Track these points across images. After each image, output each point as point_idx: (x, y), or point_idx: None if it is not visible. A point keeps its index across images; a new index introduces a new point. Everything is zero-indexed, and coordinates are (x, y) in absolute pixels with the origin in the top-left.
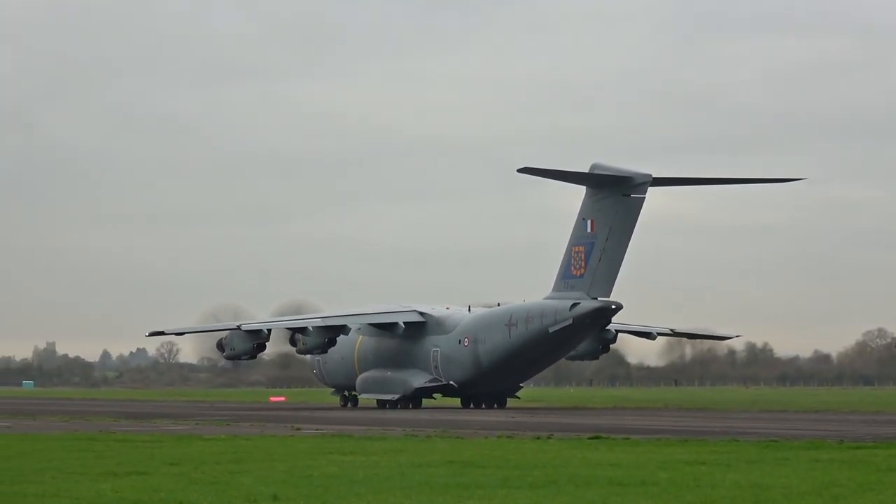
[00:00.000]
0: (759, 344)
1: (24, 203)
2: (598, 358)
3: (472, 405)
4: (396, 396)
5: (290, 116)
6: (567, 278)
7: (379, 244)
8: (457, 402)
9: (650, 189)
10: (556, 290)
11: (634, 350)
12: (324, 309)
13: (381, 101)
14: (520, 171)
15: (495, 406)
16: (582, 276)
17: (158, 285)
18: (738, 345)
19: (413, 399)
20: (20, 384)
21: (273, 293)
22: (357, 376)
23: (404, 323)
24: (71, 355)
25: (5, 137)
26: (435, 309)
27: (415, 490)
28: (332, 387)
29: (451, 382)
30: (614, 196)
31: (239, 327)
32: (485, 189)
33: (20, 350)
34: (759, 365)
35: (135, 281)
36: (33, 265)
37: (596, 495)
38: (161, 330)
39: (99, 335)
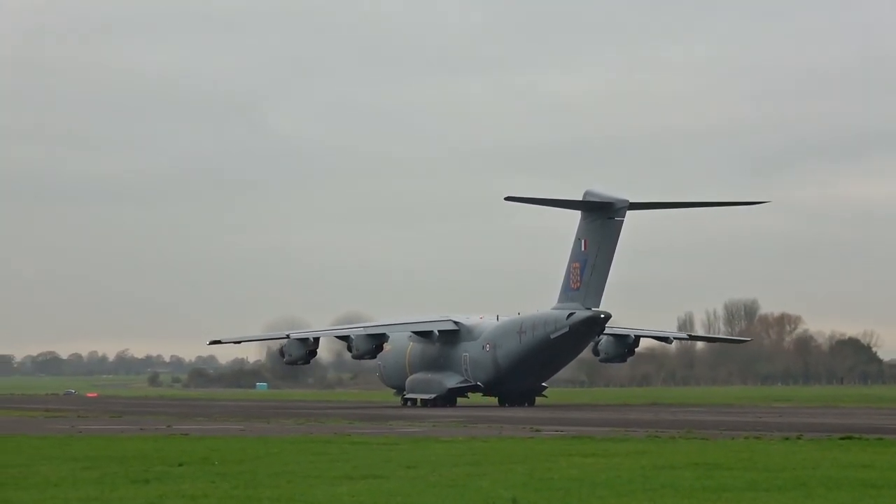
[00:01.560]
0: None
1: (257, 199)
2: (626, 361)
3: (506, 404)
4: (434, 396)
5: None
6: (567, 291)
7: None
8: (493, 400)
9: (629, 212)
10: (559, 301)
11: (890, 347)
12: (375, 318)
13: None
14: (507, 199)
15: (525, 404)
16: (578, 289)
17: (390, 282)
18: None
19: (448, 398)
20: (254, 386)
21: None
22: (407, 378)
23: (439, 331)
24: None
25: (231, 129)
26: (469, 318)
27: (659, 493)
28: (392, 388)
29: (479, 383)
30: (601, 219)
31: (288, 336)
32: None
33: (253, 352)
34: None
35: (364, 278)
36: (265, 263)
37: (848, 498)
38: (219, 339)
39: None
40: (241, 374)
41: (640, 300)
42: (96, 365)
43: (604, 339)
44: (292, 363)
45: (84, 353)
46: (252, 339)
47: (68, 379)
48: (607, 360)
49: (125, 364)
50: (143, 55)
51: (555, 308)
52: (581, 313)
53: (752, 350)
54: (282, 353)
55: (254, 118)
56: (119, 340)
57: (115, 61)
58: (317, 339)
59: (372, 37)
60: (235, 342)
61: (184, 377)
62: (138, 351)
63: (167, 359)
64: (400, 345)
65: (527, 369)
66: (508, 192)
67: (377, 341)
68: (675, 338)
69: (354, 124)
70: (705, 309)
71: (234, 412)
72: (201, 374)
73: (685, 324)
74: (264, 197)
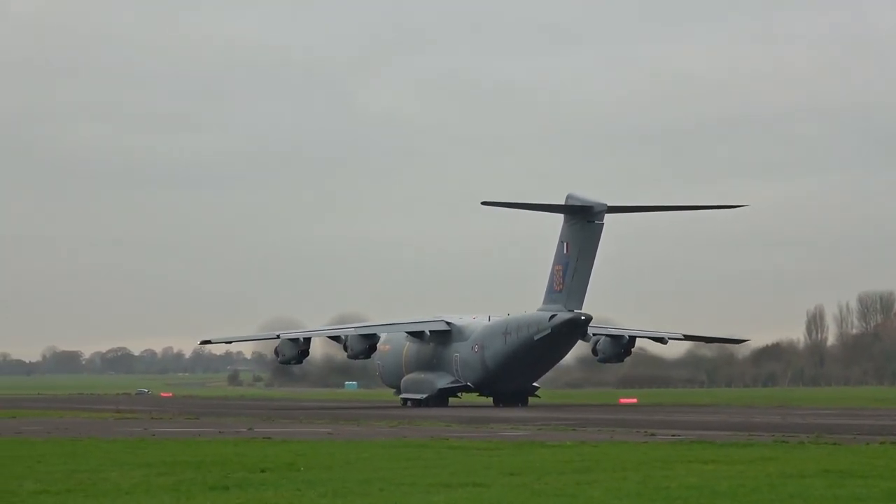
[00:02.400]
0: None
1: (340, 183)
2: (623, 361)
3: (500, 404)
4: (425, 396)
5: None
6: (551, 293)
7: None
8: (484, 400)
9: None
10: (544, 303)
11: None
12: (370, 319)
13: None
14: (483, 204)
15: (519, 405)
16: (561, 291)
17: (475, 276)
18: None
19: (439, 398)
20: (342, 385)
21: None
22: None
23: (431, 331)
24: None
25: (321, 109)
26: (462, 318)
27: None
28: (391, 387)
29: (469, 383)
30: (582, 222)
31: (278, 336)
32: None
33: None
34: None
35: (456, 271)
36: (349, 253)
37: None
38: (209, 339)
39: None
40: (328, 373)
41: (764, 293)
42: (171, 362)
43: (601, 339)
44: (286, 363)
45: (158, 349)
46: (243, 340)
47: (140, 377)
48: (605, 360)
49: (202, 361)
50: (222, 27)
51: (540, 310)
52: (562, 315)
53: (889, 347)
54: (276, 353)
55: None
56: (196, 335)
57: (194, 34)
58: (308, 340)
59: (474, 8)
60: (227, 342)
61: (266, 375)
62: (216, 347)
63: (248, 355)
64: (398, 345)
65: (514, 370)
66: (634, 175)
67: (370, 341)
68: (670, 338)
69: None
70: (837, 302)
71: (320, 413)
72: (285, 371)
73: (815, 318)
74: (349, 181)
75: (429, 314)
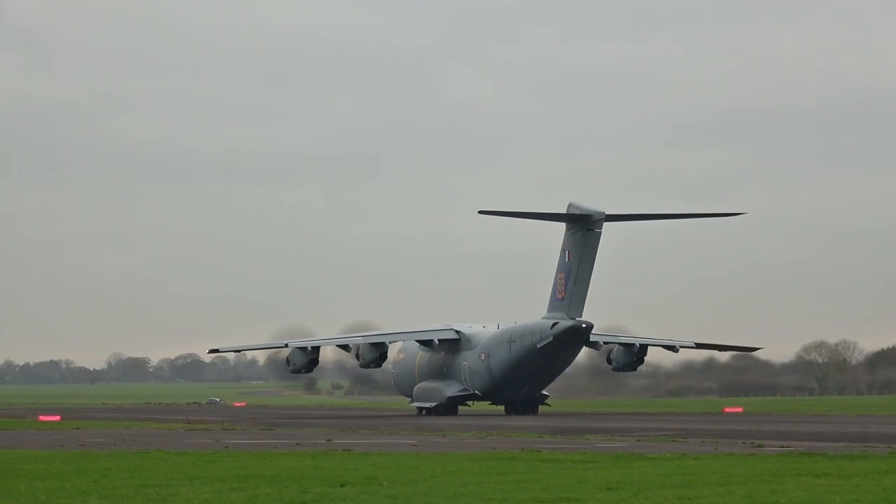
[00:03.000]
0: None
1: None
2: (636, 370)
3: (511, 413)
4: (434, 404)
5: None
6: (554, 301)
7: None
8: (490, 408)
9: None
10: (548, 311)
11: None
12: (383, 327)
13: None
14: (480, 213)
15: (531, 414)
16: (563, 299)
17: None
18: None
19: (448, 407)
20: None
21: None
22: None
23: (440, 340)
24: None
25: (408, 93)
26: (472, 327)
27: None
28: (406, 395)
29: (476, 392)
30: (582, 230)
31: (286, 345)
32: None
33: None
34: None
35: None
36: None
37: None
38: (217, 348)
39: None
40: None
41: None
42: (244, 369)
43: (615, 348)
44: (297, 371)
45: (230, 355)
46: (251, 348)
47: (212, 385)
48: (618, 368)
49: (278, 368)
50: (291, 13)
51: (544, 318)
52: (564, 323)
53: None
54: (287, 361)
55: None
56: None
57: (263, 21)
58: (316, 349)
59: None
60: (235, 351)
61: (346, 383)
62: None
63: (327, 361)
64: (411, 353)
65: (519, 378)
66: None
67: (381, 350)
68: (681, 346)
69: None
70: None
71: (401, 424)
72: (367, 379)
73: None
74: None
75: (441, 323)
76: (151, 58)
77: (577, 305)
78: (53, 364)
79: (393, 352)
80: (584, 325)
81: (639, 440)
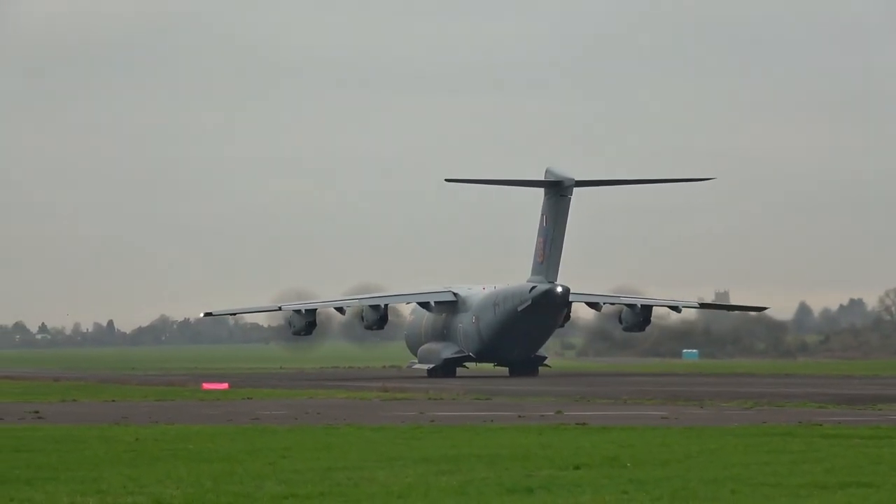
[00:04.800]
0: None
1: None
2: (644, 330)
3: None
4: (432, 366)
5: None
6: (536, 265)
7: None
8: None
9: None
10: (532, 274)
11: None
12: (387, 289)
13: None
14: (447, 181)
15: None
16: (542, 263)
17: None
18: None
19: (445, 368)
20: (679, 354)
21: None
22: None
23: (436, 302)
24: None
25: None
26: (471, 289)
27: None
28: (415, 356)
29: (470, 353)
30: (556, 196)
31: (280, 308)
32: None
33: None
34: None
35: None
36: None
37: None
38: (210, 311)
39: (786, 281)
40: (660, 339)
41: None
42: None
43: (623, 309)
44: (297, 334)
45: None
46: (246, 311)
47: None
48: (628, 329)
49: (279, 330)
50: None
51: (528, 281)
52: (541, 286)
53: None
54: (289, 324)
55: None
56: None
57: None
58: (311, 311)
59: None
60: (231, 314)
61: (578, 341)
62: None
63: None
64: (419, 315)
65: (507, 340)
66: None
67: (380, 312)
68: (684, 306)
69: None
70: None
71: (648, 391)
72: (604, 335)
73: None
74: None
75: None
76: None
77: (553, 269)
78: (218, 320)
79: (406, 313)
80: (559, 289)
81: None
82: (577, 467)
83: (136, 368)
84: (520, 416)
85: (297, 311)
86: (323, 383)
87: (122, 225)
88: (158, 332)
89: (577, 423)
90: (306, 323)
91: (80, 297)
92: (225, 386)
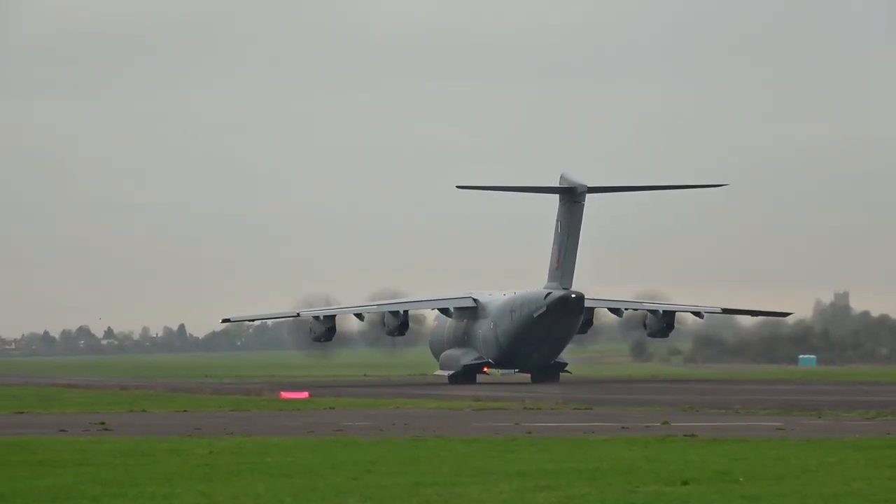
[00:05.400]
0: None
1: None
2: (668, 336)
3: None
4: (452, 372)
5: None
6: (553, 271)
7: None
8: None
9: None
10: (548, 280)
11: None
12: (409, 295)
13: None
14: (458, 188)
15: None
16: (558, 269)
17: None
18: None
19: (464, 375)
20: (796, 360)
21: None
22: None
23: (455, 308)
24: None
25: None
26: (493, 295)
27: None
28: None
29: (489, 360)
30: (570, 203)
31: (298, 314)
32: None
33: (797, 305)
34: None
35: None
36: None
37: None
38: (229, 318)
39: None
40: (772, 342)
41: None
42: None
43: (648, 315)
44: (317, 340)
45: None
46: (263, 318)
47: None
48: (652, 334)
49: (300, 336)
50: None
51: (544, 287)
52: (556, 293)
53: None
54: (310, 330)
55: None
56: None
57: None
58: (330, 318)
59: None
60: (249, 321)
61: (685, 347)
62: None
63: None
64: (442, 321)
65: (525, 347)
66: None
67: (400, 319)
68: (706, 312)
69: None
70: None
71: (759, 400)
72: (713, 341)
73: None
74: None
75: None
76: None
77: (568, 275)
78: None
79: (430, 319)
80: (573, 296)
81: None
82: (685, 482)
83: (209, 376)
84: (623, 428)
85: (317, 318)
86: (409, 391)
87: (193, 225)
88: (233, 336)
89: (686, 435)
90: (326, 329)
91: (147, 299)
92: (305, 395)
